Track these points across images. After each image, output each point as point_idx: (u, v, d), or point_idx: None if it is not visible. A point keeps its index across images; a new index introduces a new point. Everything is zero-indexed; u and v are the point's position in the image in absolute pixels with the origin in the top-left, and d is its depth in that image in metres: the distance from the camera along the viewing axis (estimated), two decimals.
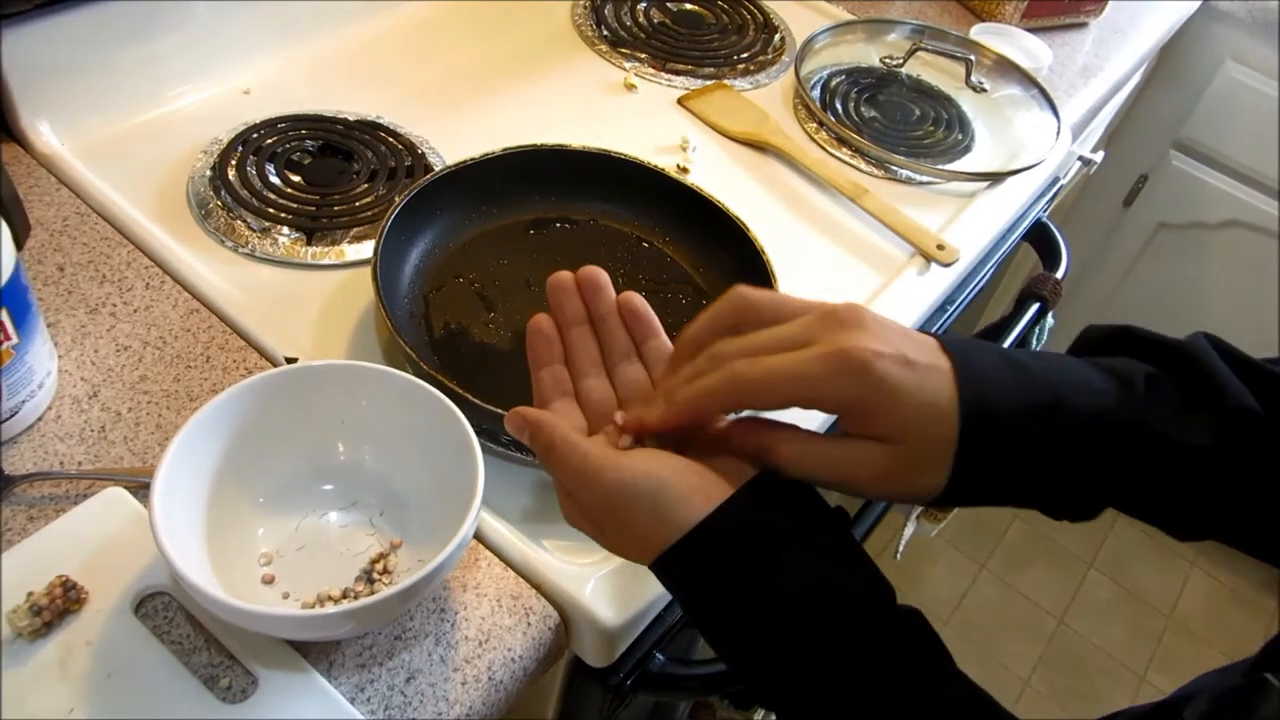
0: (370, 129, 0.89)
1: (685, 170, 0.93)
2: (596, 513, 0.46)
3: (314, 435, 0.60)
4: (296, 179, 0.84)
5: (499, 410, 0.63)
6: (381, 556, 0.58)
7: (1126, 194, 1.73)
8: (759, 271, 0.76)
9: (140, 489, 0.60)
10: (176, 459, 0.53)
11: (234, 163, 0.83)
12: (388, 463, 0.61)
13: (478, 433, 0.65)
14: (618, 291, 0.54)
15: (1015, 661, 1.82)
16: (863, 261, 0.89)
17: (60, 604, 0.52)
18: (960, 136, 1.05)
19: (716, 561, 0.43)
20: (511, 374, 0.71)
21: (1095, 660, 1.85)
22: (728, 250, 0.80)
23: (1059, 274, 1.06)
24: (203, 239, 0.77)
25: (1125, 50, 1.25)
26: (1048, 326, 1.05)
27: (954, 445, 0.42)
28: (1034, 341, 1.06)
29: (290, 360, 0.69)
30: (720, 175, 0.94)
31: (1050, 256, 1.09)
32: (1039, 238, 1.09)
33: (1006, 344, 0.98)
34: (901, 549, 1.30)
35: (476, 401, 0.62)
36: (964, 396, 0.42)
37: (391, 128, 0.90)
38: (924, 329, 0.90)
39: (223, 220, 0.78)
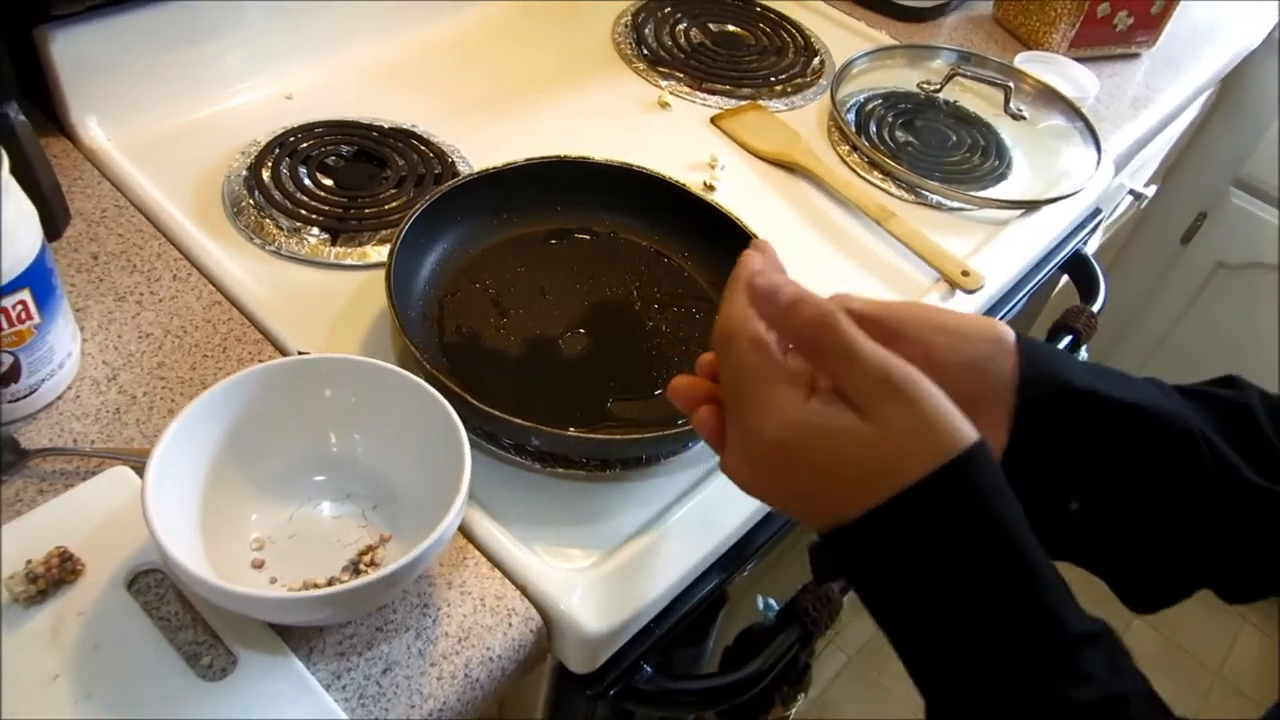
0: (403, 136, 0.91)
1: (711, 188, 0.94)
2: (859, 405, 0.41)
3: (312, 426, 0.61)
4: (328, 182, 0.86)
5: (501, 415, 0.64)
6: (370, 549, 0.59)
7: (1185, 231, 1.68)
8: None
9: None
10: (173, 442, 0.54)
11: (269, 164, 0.85)
12: (382, 457, 0.62)
13: (479, 435, 0.67)
14: (630, 303, 0.55)
15: None
16: (885, 285, 0.88)
17: (56, 574, 0.54)
18: (997, 164, 1.03)
19: (991, 494, 0.40)
20: (518, 378, 0.72)
21: None
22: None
23: (1095, 307, 1.04)
24: (233, 235, 0.80)
25: (1178, 83, 1.23)
26: (1083, 358, 1.03)
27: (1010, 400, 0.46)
28: None
29: (303, 354, 0.71)
30: (746, 194, 0.94)
31: (1088, 289, 1.06)
32: (1078, 270, 1.07)
33: None
34: None
35: (476, 404, 0.63)
36: (1024, 370, 0.46)
37: (425, 136, 0.92)
38: None
39: (253, 218, 0.81)
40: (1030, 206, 0.98)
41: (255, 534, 0.59)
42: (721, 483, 0.69)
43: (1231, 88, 1.50)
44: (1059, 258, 1.05)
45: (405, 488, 0.61)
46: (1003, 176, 1.02)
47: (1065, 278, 1.10)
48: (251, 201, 0.82)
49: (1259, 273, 1.63)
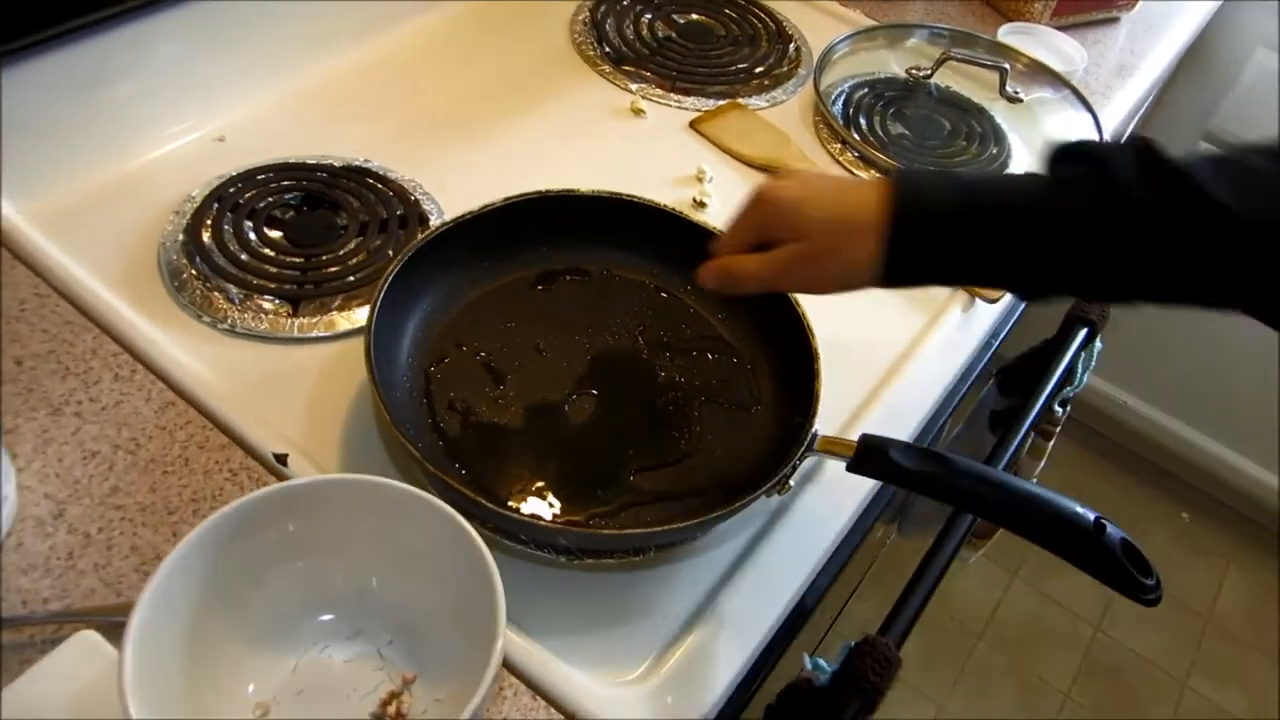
0: (356, 175, 0.81)
1: (703, 205, 0.86)
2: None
3: (307, 560, 0.52)
4: (278, 236, 0.76)
5: (515, 515, 0.56)
6: (394, 696, 0.51)
7: None
8: (789, 316, 0.69)
9: (115, 628, 0.52)
10: (147, 618, 0.45)
11: (209, 223, 0.75)
12: (394, 586, 0.53)
13: (495, 531, 0.58)
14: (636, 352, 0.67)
15: (1054, 674, 1.76)
16: (901, 299, 0.82)
17: None
18: (995, 151, 0.97)
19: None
20: (526, 458, 0.64)
21: (1135, 668, 1.79)
22: (753, 297, 0.72)
23: None
24: (176, 315, 0.70)
25: (1161, 45, 1.17)
26: (1096, 350, 0.98)
27: (877, 229, 0.53)
28: (1081, 368, 0.98)
29: (279, 457, 0.61)
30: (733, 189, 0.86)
31: None
32: None
33: (1055, 373, 0.91)
34: None
35: (491, 507, 0.55)
36: (896, 192, 0.53)
37: (380, 172, 0.82)
38: (969, 371, 0.83)
39: (198, 291, 0.70)
40: None
41: (257, 698, 0.50)
42: (768, 550, 0.63)
43: (1196, 40, 1.45)
44: None
45: (424, 618, 0.53)
46: (1004, 165, 0.96)
47: None
48: (194, 271, 0.72)
49: None
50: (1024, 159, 0.97)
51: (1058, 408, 1.01)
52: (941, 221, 0.53)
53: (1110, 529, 0.56)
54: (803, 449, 0.60)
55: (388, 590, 0.53)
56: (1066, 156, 0.54)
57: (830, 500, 0.67)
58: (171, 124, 0.82)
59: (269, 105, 0.87)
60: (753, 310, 0.73)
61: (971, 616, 1.82)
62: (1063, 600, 1.87)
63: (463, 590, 0.50)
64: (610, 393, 0.68)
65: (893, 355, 0.77)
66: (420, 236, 0.69)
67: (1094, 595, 1.88)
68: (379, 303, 0.63)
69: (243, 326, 0.69)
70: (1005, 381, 0.99)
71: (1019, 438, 0.85)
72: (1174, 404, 1.86)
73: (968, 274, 0.56)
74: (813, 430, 0.61)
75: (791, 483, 0.60)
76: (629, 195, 0.75)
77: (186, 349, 0.67)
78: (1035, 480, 1.04)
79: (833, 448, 0.61)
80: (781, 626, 0.62)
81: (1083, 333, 0.95)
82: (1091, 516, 0.57)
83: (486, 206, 0.71)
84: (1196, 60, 1.49)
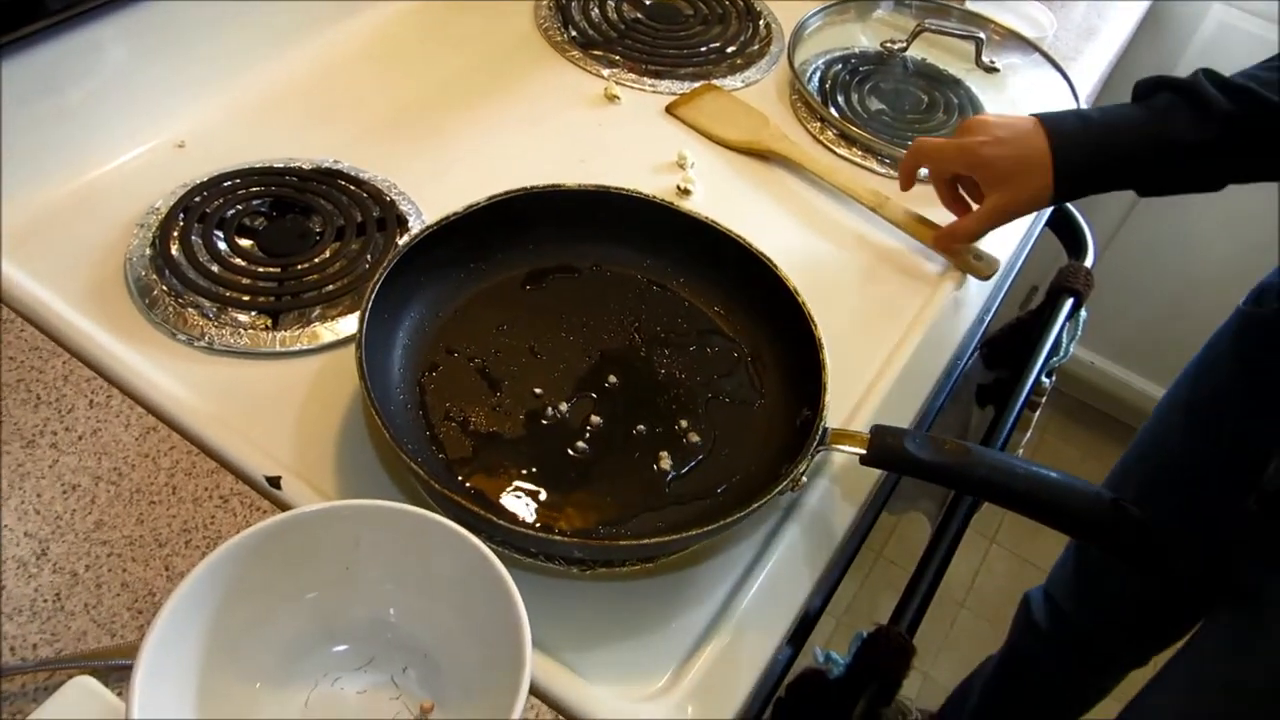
0: (328, 177, 0.78)
1: (687, 192, 0.84)
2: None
3: (315, 590, 0.50)
4: (250, 245, 0.73)
5: (528, 530, 0.54)
6: None
7: None
8: (787, 304, 0.67)
9: (113, 672, 0.50)
10: (152, 663, 0.43)
11: (176, 235, 0.71)
12: (406, 611, 0.51)
13: (503, 545, 0.57)
14: (633, 349, 0.69)
15: None
16: (896, 277, 0.81)
17: None
18: None
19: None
20: (530, 466, 0.62)
21: None
22: (750, 285, 0.71)
23: (1088, 262, 0.98)
24: (149, 334, 0.66)
25: (1123, 6, 1.17)
26: (1082, 320, 0.98)
27: (1048, 166, 0.72)
28: (1067, 339, 0.98)
29: (272, 480, 0.59)
30: (726, 193, 0.84)
31: (1076, 244, 1.01)
32: (1062, 225, 1.01)
33: (1045, 345, 0.91)
34: None
35: (502, 524, 0.53)
36: (1050, 132, 0.72)
37: (352, 173, 0.79)
38: (964, 351, 0.82)
39: (171, 309, 0.67)
40: None
41: None
42: (782, 547, 0.62)
43: None
44: (1046, 215, 0.99)
45: (440, 643, 0.51)
46: None
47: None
48: (164, 287, 0.68)
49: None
50: None
51: (1044, 379, 1.01)
52: (1088, 151, 0.71)
53: (1129, 510, 0.56)
54: (815, 445, 0.59)
55: (400, 616, 0.51)
56: (1156, 88, 0.72)
57: (839, 491, 0.66)
58: (127, 132, 0.78)
59: (229, 107, 0.83)
60: (750, 300, 0.71)
61: (953, 584, 1.84)
62: (1041, 563, 1.89)
63: (480, 613, 0.48)
64: (610, 394, 0.67)
65: (889, 341, 0.75)
66: (405, 241, 0.66)
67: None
68: (368, 312, 0.61)
69: (221, 343, 0.66)
70: (990, 355, 0.99)
71: (1015, 413, 0.85)
72: (1160, 372, 1.87)
73: (1109, 186, 0.73)
74: (823, 424, 0.60)
75: (805, 478, 0.59)
76: (615, 188, 0.73)
77: (163, 370, 0.64)
78: (1020, 453, 1.04)
79: (845, 442, 0.59)
80: (798, 624, 0.61)
81: (1069, 303, 0.95)
82: (1108, 498, 0.56)
83: (471, 206, 0.69)
84: (1153, 17, 1.50)
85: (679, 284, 0.74)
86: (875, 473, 0.67)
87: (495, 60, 0.94)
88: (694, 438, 0.65)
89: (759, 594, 0.59)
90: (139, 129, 0.78)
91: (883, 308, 0.78)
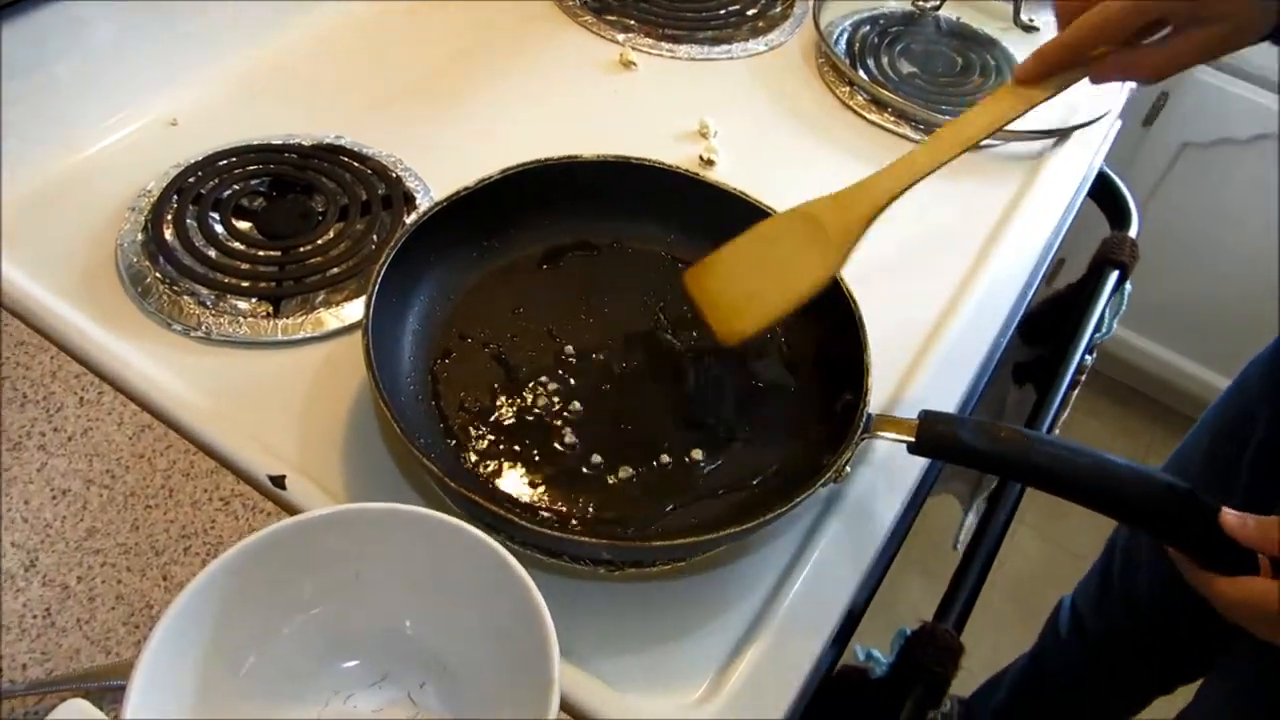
0: (329, 154, 0.74)
1: (711, 162, 0.79)
2: None
3: (323, 600, 0.46)
4: (248, 228, 0.68)
5: (548, 530, 0.50)
6: None
7: (1146, 113, 1.60)
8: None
9: (107, 693, 0.46)
10: (146, 683, 0.39)
11: (170, 218, 0.67)
12: (422, 623, 0.47)
13: (525, 546, 0.52)
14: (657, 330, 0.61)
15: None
16: (936, 252, 0.76)
17: None
18: None
19: None
20: (553, 459, 0.57)
21: None
22: None
23: (1133, 233, 0.93)
24: (143, 325, 0.62)
25: None
26: (1127, 294, 0.93)
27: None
28: (1110, 315, 0.93)
29: (276, 480, 0.55)
30: (753, 163, 0.79)
31: (1117, 212, 0.96)
32: (1104, 195, 0.96)
33: (1089, 321, 0.86)
34: (961, 538, 1.20)
35: (522, 522, 0.49)
36: None
37: (356, 149, 0.75)
38: (1008, 326, 0.77)
39: (165, 297, 0.63)
40: (1062, 135, 0.86)
41: None
42: (824, 542, 0.57)
43: None
44: (1088, 183, 0.94)
45: (459, 656, 0.47)
46: None
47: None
48: (158, 274, 0.64)
49: (1227, 149, 1.56)
50: None
51: (1085, 356, 0.96)
52: None
53: (1205, 503, 0.51)
54: (859, 433, 0.54)
55: (415, 627, 0.47)
56: None
57: (883, 481, 0.61)
58: (116, 110, 0.73)
59: (224, 83, 0.78)
60: None
61: None
62: (1068, 544, 1.85)
63: (501, 621, 0.44)
64: (634, 380, 0.62)
65: (929, 318, 0.71)
66: (412, 219, 0.62)
67: (1098, 533, 1.86)
68: (374, 296, 0.56)
69: (219, 333, 0.62)
70: (1029, 331, 0.94)
71: (1061, 393, 0.80)
72: (1189, 346, 1.80)
73: None
74: (866, 410, 0.56)
75: (848, 468, 0.55)
76: (635, 158, 0.68)
77: (158, 362, 0.60)
78: (1057, 433, 0.99)
79: (891, 429, 0.55)
80: (842, 624, 0.57)
81: (1114, 276, 0.90)
82: (1182, 490, 0.52)
83: (482, 181, 0.64)
84: None
85: None
86: (920, 461, 0.63)
87: (504, 28, 0.89)
88: (727, 426, 0.60)
89: (801, 592, 0.55)
90: (128, 107, 0.74)
91: (923, 283, 0.73)
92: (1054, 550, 1.84)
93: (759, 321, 0.58)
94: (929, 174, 0.58)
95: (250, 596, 0.44)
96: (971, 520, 1.15)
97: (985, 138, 0.59)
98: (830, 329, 0.62)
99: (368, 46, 0.84)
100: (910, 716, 0.60)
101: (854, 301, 0.61)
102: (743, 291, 0.59)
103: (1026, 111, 0.58)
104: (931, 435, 0.53)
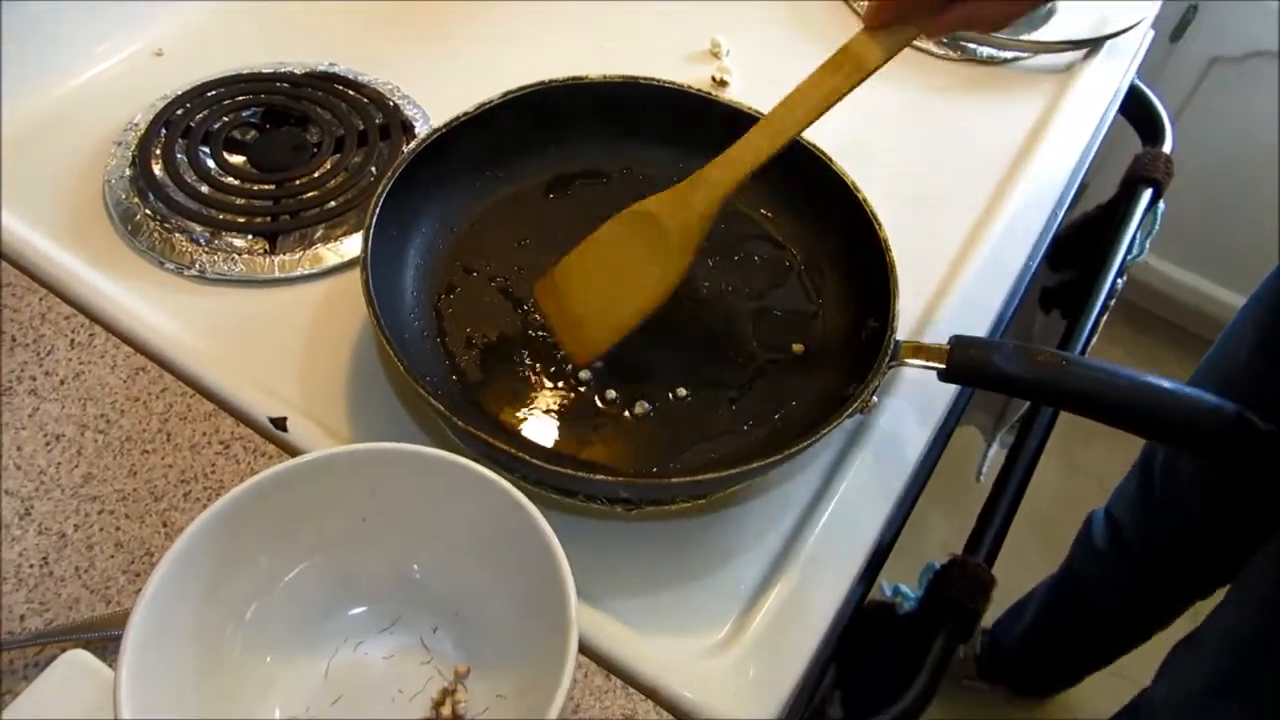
0: (323, 82, 0.70)
1: (724, 83, 0.75)
2: None
3: (329, 545, 0.44)
4: (241, 162, 0.65)
5: (562, 468, 0.47)
6: (446, 694, 0.44)
7: (1174, 27, 1.53)
8: (844, 203, 0.59)
9: (109, 643, 0.44)
10: (143, 635, 0.37)
11: (158, 152, 0.64)
12: (433, 566, 0.45)
13: (539, 486, 0.50)
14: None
15: None
16: (962, 168, 0.72)
17: None
18: None
19: None
20: (567, 391, 0.55)
21: None
22: (801, 183, 0.63)
23: (1166, 148, 0.89)
24: (135, 264, 0.60)
25: None
26: (1160, 214, 0.89)
27: None
28: (1142, 236, 0.89)
29: (276, 422, 0.53)
30: (767, 81, 0.75)
31: (1151, 128, 0.91)
32: (1137, 110, 0.91)
33: (1121, 242, 0.82)
34: (985, 470, 1.18)
35: (535, 461, 0.46)
36: None
37: (350, 76, 0.71)
38: (1037, 249, 0.74)
39: (157, 235, 0.60)
40: (1094, 45, 0.82)
41: (287, 713, 0.42)
42: (850, 476, 0.55)
43: None
44: (1119, 99, 0.89)
45: (471, 600, 0.45)
46: (1051, 13, 0.85)
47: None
48: (148, 210, 0.61)
49: (1258, 62, 1.50)
50: (1069, 4, 0.86)
51: (1117, 279, 0.93)
52: None
53: (1255, 423, 0.48)
54: (886, 360, 0.52)
55: (426, 572, 0.45)
56: None
57: (911, 411, 0.59)
58: (98, 40, 0.70)
59: (211, 9, 0.75)
60: (802, 201, 0.63)
61: None
62: (1093, 470, 1.82)
63: (515, 563, 0.42)
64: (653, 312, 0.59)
65: (957, 240, 0.68)
66: (411, 147, 0.58)
67: (1124, 461, 1.84)
68: (372, 229, 0.53)
69: (214, 271, 0.59)
70: (1055, 255, 0.91)
71: (1093, 317, 0.77)
72: (1215, 269, 1.76)
73: None
74: (893, 337, 0.53)
75: (875, 398, 0.52)
76: (644, 78, 0.64)
77: (151, 303, 0.57)
78: None
79: (921, 356, 0.52)
80: (870, 559, 0.55)
81: (1147, 194, 0.86)
82: (1231, 410, 0.49)
83: (483, 105, 0.61)
84: None
85: None
86: (949, 389, 0.60)
87: None
88: (748, 358, 0.58)
89: (827, 529, 0.53)
90: (111, 37, 0.71)
91: (948, 206, 0.70)
92: (1077, 476, 1.82)
93: (606, 338, 0.54)
94: (770, 158, 0.53)
95: (251, 542, 0.42)
96: (995, 451, 1.13)
97: (821, 114, 0.52)
98: (853, 253, 0.59)
99: None
100: (941, 651, 0.58)
101: (878, 223, 0.57)
102: (591, 306, 0.55)
103: (859, 84, 0.51)
104: (963, 361, 0.51)
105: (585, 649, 0.47)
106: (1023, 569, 1.42)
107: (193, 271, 0.59)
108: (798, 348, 0.58)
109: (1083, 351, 0.77)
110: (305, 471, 0.42)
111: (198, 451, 0.51)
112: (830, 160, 0.60)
